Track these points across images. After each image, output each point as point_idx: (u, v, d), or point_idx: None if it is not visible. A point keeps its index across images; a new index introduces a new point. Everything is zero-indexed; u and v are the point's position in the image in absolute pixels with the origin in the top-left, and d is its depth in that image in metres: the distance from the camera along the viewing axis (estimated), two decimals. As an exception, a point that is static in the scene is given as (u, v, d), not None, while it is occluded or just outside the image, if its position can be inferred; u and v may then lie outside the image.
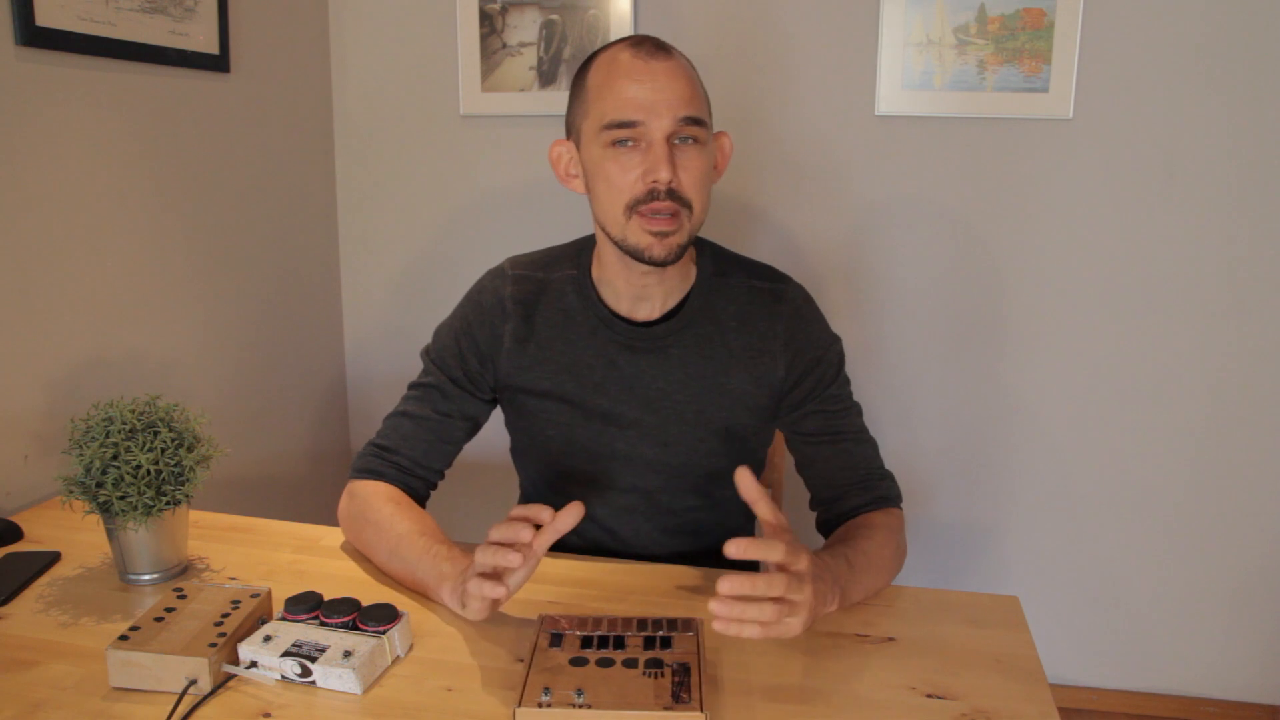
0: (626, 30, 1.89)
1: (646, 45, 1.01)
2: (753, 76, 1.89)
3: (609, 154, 1.01)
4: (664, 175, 0.98)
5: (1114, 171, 1.81)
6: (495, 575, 0.90)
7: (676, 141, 1.00)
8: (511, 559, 0.85)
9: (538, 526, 0.89)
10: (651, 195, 0.99)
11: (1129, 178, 1.81)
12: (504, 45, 1.94)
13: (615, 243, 1.05)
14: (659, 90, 0.99)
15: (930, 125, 1.85)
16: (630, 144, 1.00)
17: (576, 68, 1.11)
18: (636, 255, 1.03)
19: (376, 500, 1.10)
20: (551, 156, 1.10)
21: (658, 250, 1.01)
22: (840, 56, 1.85)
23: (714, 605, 0.80)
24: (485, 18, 1.94)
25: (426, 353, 1.19)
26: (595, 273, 1.13)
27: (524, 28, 1.93)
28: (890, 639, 0.95)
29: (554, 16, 1.91)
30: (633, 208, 1.01)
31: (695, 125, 1.00)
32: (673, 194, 0.99)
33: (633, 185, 1.00)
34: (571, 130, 1.08)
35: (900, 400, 1.97)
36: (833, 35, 1.85)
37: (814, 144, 1.90)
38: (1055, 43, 1.76)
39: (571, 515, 0.89)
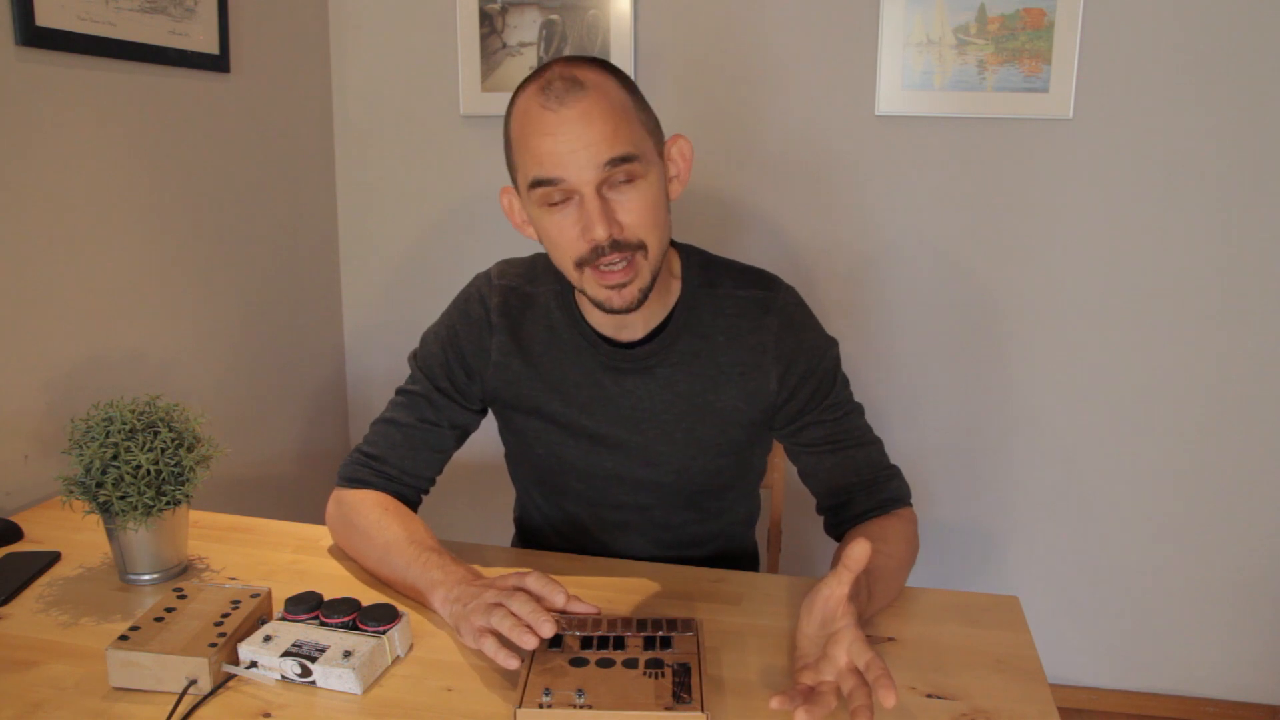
0: (627, 31, 1.89)
1: (555, 88, 0.93)
2: (752, 76, 1.89)
3: (544, 214, 0.97)
4: (600, 234, 0.93)
5: (1114, 171, 1.81)
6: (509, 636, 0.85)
7: (619, 181, 0.94)
8: (529, 641, 0.83)
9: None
10: (596, 252, 0.95)
11: (1129, 178, 1.81)
12: (504, 45, 1.94)
13: (579, 290, 1.02)
14: (574, 139, 0.92)
15: (930, 125, 1.85)
16: (563, 200, 0.95)
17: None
18: (599, 306, 1.00)
19: (364, 506, 1.08)
20: (503, 206, 1.06)
21: (617, 302, 0.98)
22: (840, 56, 1.85)
23: None
24: (485, 18, 1.94)
25: (413, 358, 1.17)
26: (578, 291, 1.09)
27: (524, 28, 1.93)
28: (890, 639, 0.95)
29: (554, 16, 1.92)
30: (581, 265, 0.97)
31: (625, 163, 0.93)
32: (617, 244, 0.94)
33: (574, 244, 0.96)
34: (511, 178, 1.03)
35: (900, 401, 1.97)
36: (833, 35, 1.85)
37: (814, 144, 1.90)
38: (1055, 43, 1.76)
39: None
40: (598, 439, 1.12)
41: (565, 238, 0.96)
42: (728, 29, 1.88)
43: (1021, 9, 1.76)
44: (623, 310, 0.99)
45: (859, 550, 0.80)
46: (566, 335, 1.10)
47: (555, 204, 0.96)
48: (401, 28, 2.00)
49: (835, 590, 0.82)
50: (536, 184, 0.95)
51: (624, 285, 0.97)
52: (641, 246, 0.97)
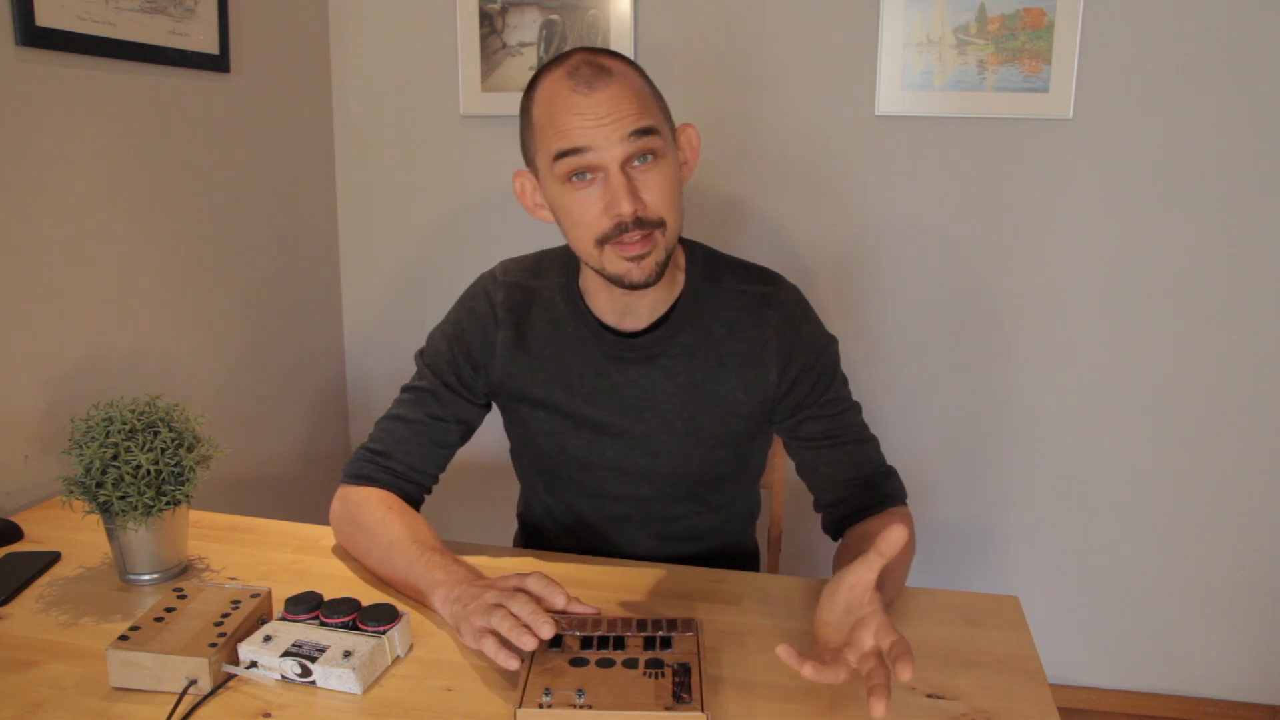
0: (627, 31, 1.89)
1: (584, 72, 0.97)
2: (752, 76, 1.89)
3: (567, 190, 0.99)
4: (626, 209, 0.96)
5: (1114, 171, 1.81)
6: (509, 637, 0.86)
7: (635, 163, 0.97)
8: (528, 642, 0.83)
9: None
10: (619, 228, 0.97)
11: (1129, 178, 1.81)
12: (504, 45, 1.94)
13: (594, 270, 1.04)
14: (602, 115, 0.95)
15: (930, 125, 1.85)
16: (588, 177, 0.97)
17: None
18: (616, 282, 1.02)
19: (369, 505, 1.09)
20: (516, 189, 1.08)
21: (636, 274, 1.00)
22: (840, 56, 1.85)
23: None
24: (485, 18, 1.94)
25: (420, 355, 1.19)
26: (582, 282, 1.13)
27: (524, 28, 1.93)
28: (890, 639, 0.95)
29: (554, 16, 1.91)
30: (603, 241, 0.99)
31: (648, 135, 0.97)
32: (640, 221, 0.97)
33: (597, 220, 0.98)
34: (529, 162, 1.06)
35: (900, 401, 1.97)
36: (833, 35, 1.85)
37: (814, 144, 1.90)
38: (1055, 43, 1.76)
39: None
40: (600, 428, 1.13)
41: (588, 215, 0.99)
42: (728, 29, 1.88)
43: (1021, 9, 1.76)
44: (641, 284, 1.01)
45: (895, 535, 0.80)
46: (570, 327, 1.12)
47: (578, 182, 0.98)
48: (401, 28, 2.00)
49: (863, 576, 0.82)
50: (562, 155, 0.97)
51: (643, 257, 0.99)
52: (661, 224, 1.00)
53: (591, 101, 0.96)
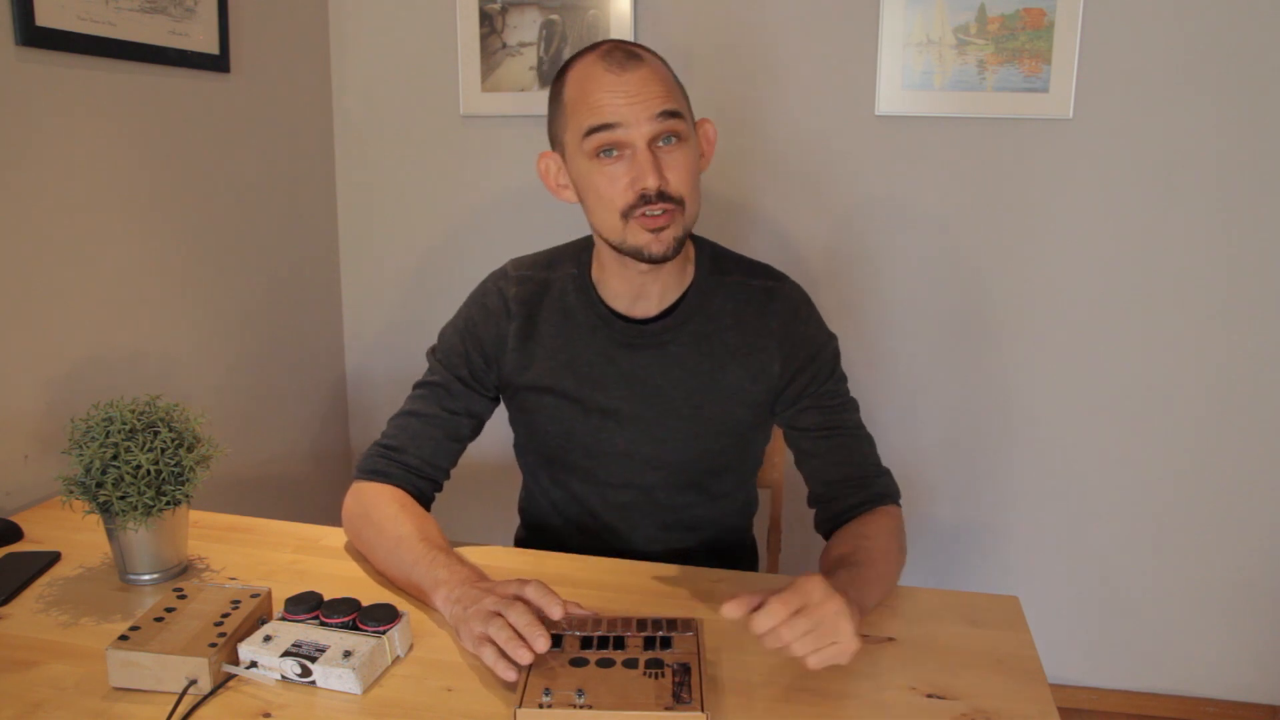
0: (627, 32, 1.89)
1: (617, 55, 1.02)
2: (752, 76, 1.89)
3: (595, 167, 1.03)
4: (651, 183, 1.01)
5: (1114, 171, 1.81)
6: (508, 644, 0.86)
7: (660, 144, 1.02)
8: (523, 656, 0.83)
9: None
10: (643, 199, 1.02)
11: (1129, 178, 1.81)
12: (504, 45, 1.94)
13: (614, 246, 1.06)
14: (634, 94, 1.00)
15: (930, 125, 1.85)
16: (615, 154, 1.02)
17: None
18: (636, 255, 1.05)
19: (380, 501, 1.10)
20: (540, 169, 1.12)
21: (656, 247, 1.03)
22: (840, 56, 1.85)
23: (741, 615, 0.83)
24: (485, 18, 1.94)
25: (432, 352, 1.21)
26: (595, 272, 1.16)
27: (524, 28, 1.93)
28: (890, 639, 0.95)
29: (554, 16, 1.91)
30: (626, 215, 1.03)
31: (674, 118, 1.02)
32: (663, 196, 1.02)
33: (622, 194, 1.03)
34: (555, 143, 1.10)
35: (900, 400, 1.97)
36: (833, 35, 1.85)
37: (814, 144, 1.90)
38: (1055, 43, 1.76)
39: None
40: (608, 413, 1.15)
41: (614, 189, 1.03)
42: (728, 29, 1.88)
43: (1021, 9, 1.76)
44: (660, 257, 1.04)
45: (728, 610, 0.82)
46: (581, 315, 1.15)
47: (606, 159, 1.02)
48: (401, 28, 2.00)
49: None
50: (593, 131, 1.01)
51: (663, 229, 1.03)
52: (681, 203, 1.03)
53: (623, 81, 1.01)
